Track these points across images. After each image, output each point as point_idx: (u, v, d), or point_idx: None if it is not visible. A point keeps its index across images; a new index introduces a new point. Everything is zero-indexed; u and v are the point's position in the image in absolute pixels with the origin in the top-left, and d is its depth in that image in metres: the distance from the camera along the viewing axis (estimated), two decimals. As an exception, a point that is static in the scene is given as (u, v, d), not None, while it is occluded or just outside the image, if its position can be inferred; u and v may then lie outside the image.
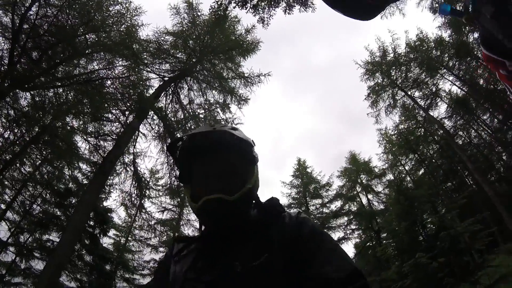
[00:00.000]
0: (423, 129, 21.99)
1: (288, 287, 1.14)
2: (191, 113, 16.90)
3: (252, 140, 1.50)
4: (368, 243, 24.38)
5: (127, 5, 13.00)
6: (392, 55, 21.60)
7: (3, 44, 11.24)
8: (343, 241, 24.89)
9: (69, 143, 13.72)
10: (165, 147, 15.91)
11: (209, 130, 1.37)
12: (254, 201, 1.45)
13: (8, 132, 13.51)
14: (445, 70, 19.49)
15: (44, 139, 13.79)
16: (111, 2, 12.84)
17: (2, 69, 10.79)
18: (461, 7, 1.66)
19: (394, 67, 21.54)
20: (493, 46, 1.52)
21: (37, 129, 13.30)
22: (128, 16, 13.17)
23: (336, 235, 25.07)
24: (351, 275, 1.10)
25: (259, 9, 13.68)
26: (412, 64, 21.06)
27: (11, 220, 15.81)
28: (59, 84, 12.45)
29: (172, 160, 16.00)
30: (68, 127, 13.92)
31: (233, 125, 1.51)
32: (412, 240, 16.00)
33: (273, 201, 1.47)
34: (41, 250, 15.90)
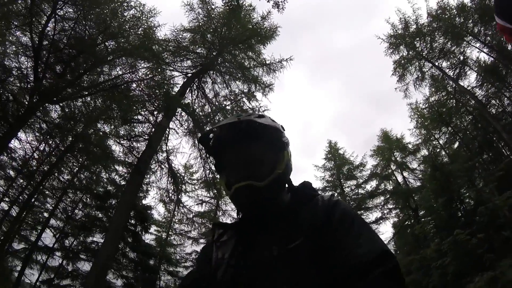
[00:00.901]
0: (454, 100, 20.68)
1: (321, 270, 1.15)
2: (218, 106, 16.91)
3: (281, 126, 1.52)
4: (406, 222, 23.62)
5: (141, 8, 13.03)
6: (414, 26, 20.71)
7: (26, 62, 11.61)
8: (381, 221, 24.32)
9: (103, 148, 14.03)
10: (196, 142, 16.06)
11: (234, 121, 1.38)
12: (287, 185, 1.50)
13: (43, 144, 14.12)
14: (470, 37, 18.29)
15: (78, 147, 14.22)
16: (125, 8, 12.92)
17: (28, 86, 11.13)
18: None
19: (418, 38, 20.66)
20: (508, 15, 1.49)
21: (70, 138, 13.79)
22: (143, 19, 13.22)
23: (373, 216, 24.54)
24: (380, 257, 1.12)
25: None
26: (436, 33, 20.04)
27: (55, 227, 16.55)
28: (86, 93, 12.70)
29: (204, 154, 16.26)
30: (101, 133, 14.27)
31: (260, 113, 1.54)
32: (450, 216, 15.41)
33: (306, 184, 1.51)
34: (87, 252, 16.54)
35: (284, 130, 1.52)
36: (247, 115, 1.45)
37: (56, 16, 11.11)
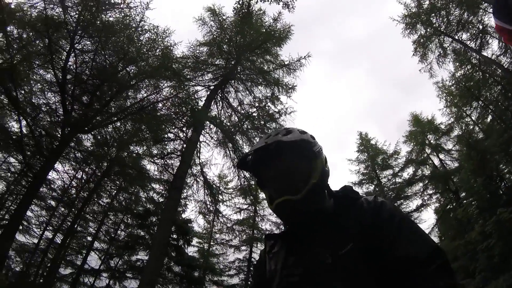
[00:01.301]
0: (480, 72, 19.60)
1: (372, 272, 1.20)
2: (244, 114, 17.00)
3: (311, 135, 1.57)
4: (448, 206, 22.53)
5: (155, 30, 13.14)
6: (427, 2, 20.00)
7: (53, 97, 12.17)
8: (422, 208, 23.59)
9: (138, 168, 14.41)
10: (227, 151, 16.23)
11: (261, 146, 1.46)
12: (328, 191, 1.55)
13: (80, 172, 14.68)
14: (486, 4, 17.70)
15: (115, 171, 14.73)
16: (140, 32, 13.08)
17: (59, 119, 11.63)
18: None
19: (433, 14, 19.85)
20: (507, 15, 1.47)
21: (106, 164, 14.29)
22: (159, 40, 13.29)
23: (413, 204, 23.87)
24: (432, 254, 1.17)
25: None
26: (450, 5, 19.19)
27: (99, 249, 17.11)
28: (115, 118, 13.09)
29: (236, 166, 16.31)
30: (134, 155, 14.66)
31: (287, 128, 1.61)
32: (491, 195, 14.75)
33: (347, 188, 1.55)
34: (132, 270, 17.00)
35: (314, 139, 1.56)
36: (274, 134, 1.54)
37: (75, 50, 11.44)
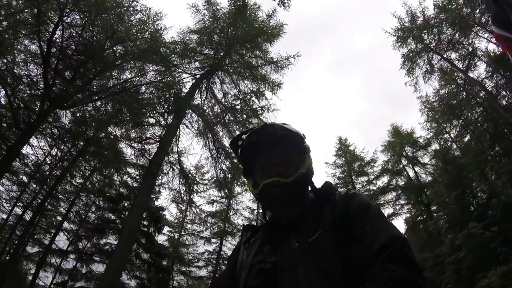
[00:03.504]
0: (464, 92, 20.33)
1: (341, 260, 1.21)
2: (227, 106, 16.97)
3: (303, 134, 1.63)
4: (419, 218, 23.44)
5: (147, 12, 13.04)
6: (421, 18, 20.41)
7: (36, 70, 11.76)
8: (393, 217, 24.05)
9: (114, 151, 14.21)
10: (207, 142, 16.22)
11: (261, 126, 1.60)
12: (311, 187, 1.60)
13: (55, 149, 14.33)
14: (478, 27, 18.18)
15: (90, 151, 14.40)
16: (131, 12, 12.93)
17: (39, 93, 11.27)
18: None
19: (425, 31, 20.35)
20: (506, 23, 1.45)
21: (82, 143, 13.95)
22: (150, 22, 13.23)
23: (385, 212, 23.44)
24: (388, 241, 1.18)
25: None
26: (443, 25, 19.68)
27: (68, 230, 16.86)
28: (96, 97, 12.85)
29: (215, 154, 16.39)
30: (112, 136, 14.39)
31: (284, 122, 1.65)
32: (463, 210, 15.22)
33: (327, 184, 1.61)
34: (100, 254, 16.75)
35: (305, 137, 1.64)
36: (271, 123, 1.62)
37: (63, 23, 11.13)
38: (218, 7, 16.44)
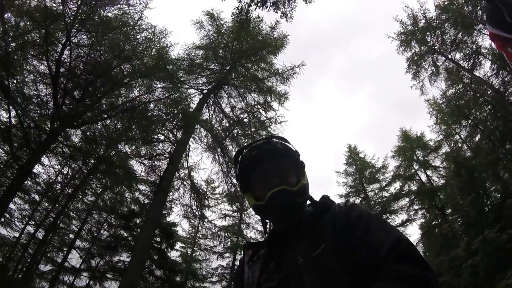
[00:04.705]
0: (471, 92, 20.19)
1: (346, 271, 1.23)
2: (235, 119, 17.07)
3: (296, 150, 1.70)
4: (434, 222, 22.77)
5: (152, 30, 13.25)
6: (423, 21, 20.41)
7: (45, 90, 12.02)
8: (407, 223, 23.69)
9: (125, 168, 14.15)
10: (217, 157, 16.27)
11: (261, 141, 1.67)
12: (308, 200, 1.61)
13: (66, 168, 14.47)
14: (481, 25, 18.06)
15: (101, 169, 14.48)
16: (137, 31, 13.15)
17: (49, 112, 11.45)
18: None
19: (428, 33, 20.29)
20: (500, 23, 1.49)
21: (93, 161, 14.03)
22: (156, 40, 13.43)
23: (399, 218, 23.99)
24: (392, 245, 1.19)
25: (280, 5, 13.66)
26: (446, 25, 19.60)
27: (81, 248, 16.81)
28: (106, 116, 13.01)
29: (225, 168, 16.42)
30: (122, 154, 14.44)
31: (282, 137, 1.74)
32: (478, 212, 14.94)
33: (324, 197, 1.62)
34: (113, 271, 16.63)
35: (299, 155, 1.70)
36: (270, 137, 1.70)
37: (71, 43, 11.34)
38: (222, 22, 16.78)
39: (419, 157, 25.26)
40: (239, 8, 13.53)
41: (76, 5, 11.25)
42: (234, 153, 1.73)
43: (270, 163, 1.58)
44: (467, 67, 19.53)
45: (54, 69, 10.75)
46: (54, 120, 10.91)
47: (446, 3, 18.58)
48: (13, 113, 10.60)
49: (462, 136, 22.29)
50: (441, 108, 22.51)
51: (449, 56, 20.01)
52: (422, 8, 20.05)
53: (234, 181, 16.37)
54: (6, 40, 10.14)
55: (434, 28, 19.84)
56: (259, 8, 13.30)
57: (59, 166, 14.29)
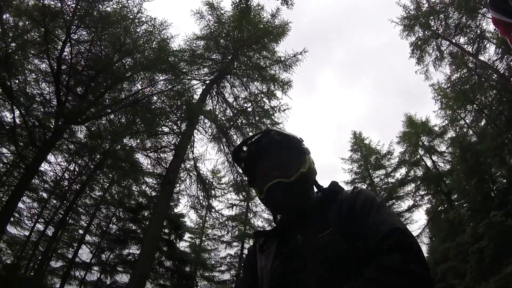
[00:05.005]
0: (476, 76, 20.06)
1: (350, 255, 1.25)
2: (239, 109, 16.96)
3: (300, 137, 1.71)
4: (440, 207, 23.02)
5: (152, 22, 13.12)
6: (426, 5, 20.13)
7: (48, 88, 11.97)
8: (414, 209, 23.65)
9: (131, 162, 14.21)
10: (222, 147, 16.22)
11: (257, 135, 1.68)
12: (316, 186, 1.67)
13: (73, 164, 14.53)
14: (485, 9, 17.56)
15: (107, 164, 14.57)
16: (137, 24, 13.03)
17: (52, 110, 11.46)
18: None
19: (432, 17, 19.99)
20: (504, 8, 1.45)
21: (99, 156, 14.09)
22: (156, 32, 13.28)
23: (405, 204, 23.91)
24: (388, 233, 1.21)
25: None
26: (449, 9, 19.31)
27: (91, 243, 16.95)
28: (109, 110, 12.97)
29: (231, 158, 16.38)
30: (127, 148, 14.45)
31: (279, 128, 1.76)
32: (484, 198, 14.97)
33: (333, 183, 1.64)
34: (124, 264, 16.85)
35: (302, 140, 1.71)
36: (267, 130, 1.70)
37: (71, 40, 11.30)
38: (222, 11, 16.50)
39: (425, 143, 25.18)
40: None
41: (74, 2, 11.10)
42: (239, 143, 1.74)
43: (267, 156, 1.61)
44: (471, 52, 19.26)
45: (55, 67, 10.72)
46: (58, 117, 10.95)
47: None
48: (16, 113, 10.56)
49: (467, 121, 22.20)
50: (446, 93, 22.29)
51: (453, 41, 19.74)
52: None
53: (240, 170, 16.35)
54: (6, 41, 10.07)
55: (437, 12, 19.50)
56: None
57: (65, 163, 14.41)
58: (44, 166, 13.44)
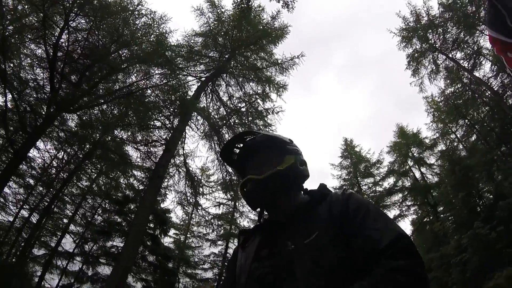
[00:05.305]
0: (470, 92, 20.10)
1: (339, 260, 1.22)
2: (233, 108, 16.87)
3: (288, 139, 1.72)
4: (425, 219, 23.16)
5: (152, 16, 13.08)
6: (426, 18, 20.13)
7: (42, 74, 11.78)
8: (399, 218, 23.85)
9: (121, 154, 14.12)
10: (212, 144, 16.23)
11: (246, 137, 1.73)
12: (301, 188, 1.65)
13: (62, 152, 14.37)
14: (483, 26, 17.79)
15: (97, 154, 14.42)
16: (136, 16, 12.95)
17: (45, 96, 11.33)
18: None
19: (430, 30, 20.05)
20: (501, 26, 1.46)
21: (88, 146, 13.95)
22: (155, 26, 13.25)
23: (391, 213, 24.06)
24: (393, 240, 1.19)
25: None
26: (448, 24, 19.41)
27: (75, 233, 16.85)
28: (102, 101, 12.90)
29: (220, 157, 16.28)
30: (118, 139, 14.38)
31: (265, 130, 1.79)
32: (469, 211, 15.11)
33: (321, 185, 1.63)
34: (107, 256, 16.71)
35: (291, 142, 1.73)
36: (253, 132, 1.73)
37: (69, 27, 11.15)
38: (223, 10, 16.46)
39: (414, 154, 25.37)
40: (241, -4, 13.36)
41: (75, -11, 10.98)
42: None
43: (250, 157, 1.67)
44: (467, 67, 19.44)
45: (51, 53, 10.57)
46: (51, 104, 10.78)
47: (450, 2, 18.36)
48: (9, 96, 10.47)
49: (458, 135, 22.33)
50: (439, 107, 22.51)
51: (450, 55, 19.91)
52: (426, 5, 19.77)
53: (229, 169, 16.37)
54: (4, 24, 9.92)
55: (436, 26, 19.64)
56: (262, -4, 13.12)
57: (54, 151, 14.22)
58: (33, 152, 13.35)
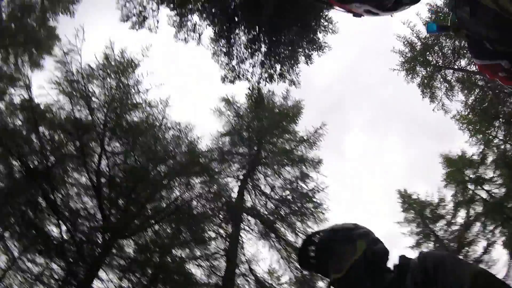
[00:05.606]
0: (490, 91, 19.66)
1: None
2: (279, 199, 16.57)
3: (353, 224, 1.71)
4: None
5: (178, 127, 13.57)
6: (419, 43, 20.49)
7: (90, 202, 11.74)
8: (490, 248, 20.78)
9: (184, 273, 13.44)
10: (271, 242, 15.40)
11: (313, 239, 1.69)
12: (385, 267, 1.56)
13: (126, 281, 13.61)
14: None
15: (160, 278, 13.70)
16: (164, 130, 13.44)
17: (97, 224, 11.27)
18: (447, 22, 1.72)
19: (428, 52, 20.35)
20: (483, 52, 1.51)
21: (150, 271, 13.26)
22: (183, 136, 13.68)
23: (480, 246, 21.16)
24: (471, 280, 1.14)
25: (285, 75, 14.17)
26: (440, 39, 19.71)
27: None
28: (153, 221, 12.67)
29: (285, 254, 15.39)
30: (178, 259, 13.66)
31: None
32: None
33: (401, 257, 1.54)
34: None
35: (355, 225, 1.71)
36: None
37: (106, 152, 11.49)
38: (238, 105, 17.28)
39: (471, 176, 23.75)
40: (251, 87, 14.07)
41: (103, 113, 11.48)
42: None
43: (325, 257, 1.62)
44: (475, 70, 19.53)
45: (95, 180, 10.83)
46: (105, 232, 10.79)
47: (432, 19, 19.13)
48: (63, 228, 10.37)
49: (500, 137, 21.39)
50: (470, 119, 21.90)
51: (455, 67, 20.09)
52: (413, 31, 20.49)
53: (298, 265, 15.32)
54: (45, 154, 10.16)
55: (431, 46, 20.20)
56: (269, 82, 13.87)
57: (117, 280, 13.42)
58: (96, 284, 12.54)
